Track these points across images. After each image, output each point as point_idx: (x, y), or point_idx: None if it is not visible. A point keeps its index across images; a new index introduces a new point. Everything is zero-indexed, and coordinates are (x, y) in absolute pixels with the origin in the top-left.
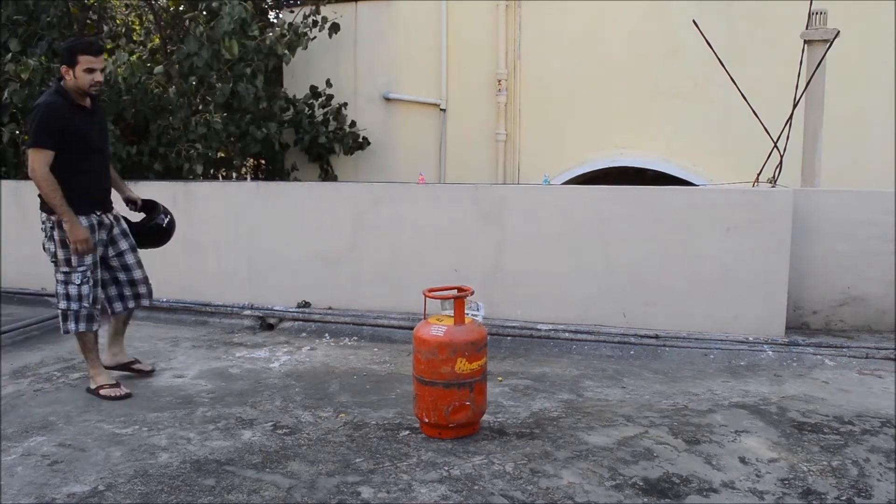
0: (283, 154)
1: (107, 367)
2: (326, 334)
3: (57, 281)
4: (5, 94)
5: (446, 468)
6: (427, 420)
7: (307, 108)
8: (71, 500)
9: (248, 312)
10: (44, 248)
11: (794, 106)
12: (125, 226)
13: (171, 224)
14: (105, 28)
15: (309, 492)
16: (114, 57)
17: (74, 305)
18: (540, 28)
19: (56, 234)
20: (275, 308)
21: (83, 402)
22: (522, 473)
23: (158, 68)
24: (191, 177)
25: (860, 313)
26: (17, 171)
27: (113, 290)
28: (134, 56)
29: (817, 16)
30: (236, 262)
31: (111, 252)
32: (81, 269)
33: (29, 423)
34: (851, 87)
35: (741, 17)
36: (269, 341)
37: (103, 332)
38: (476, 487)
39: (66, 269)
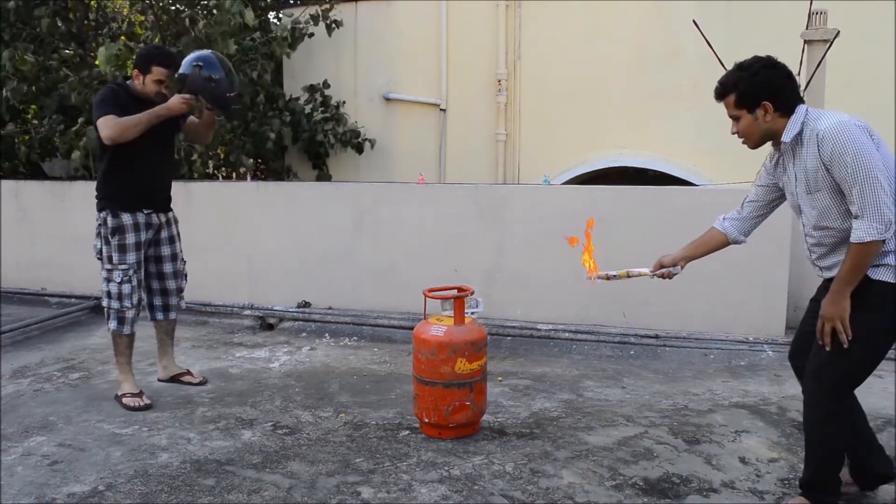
0: (282, 153)
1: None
2: (326, 334)
3: (102, 278)
4: (4, 93)
5: (446, 468)
6: (427, 420)
7: (305, 108)
8: (71, 500)
9: (248, 312)
10: (94, 248)
11: None
12: (175, 231)
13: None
14: (105, 28)
15: (309, 492)
16: (101, 50)
17: (114, 304)
18: (540, 28)
19: (102, 230)
20: (275, 308)
21: (83, 402)
22: (522, 473)
23: None
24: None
25: None
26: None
27: (146, 296)
28: (117, 48)
29: (817, 16)
30: (236, 262)
31: (151, 253)
32: (122, 267)
33: (29, 423)
34: (851, 87)
35: (741, 17)
36: (269, 341)
37: (152, 343)
38: (476, 487)
39: (108, 266)
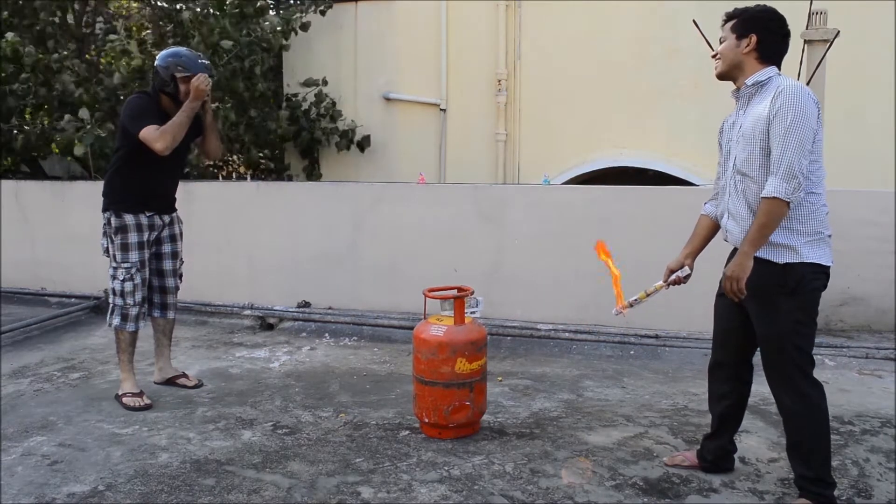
0: (282, 149)
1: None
2: (326, 334)
3: (109, 276)
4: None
5: (446, 468)
6: (427, 420)
7: (302, 104)
8: (71, 500)
9: (248, 312)
10: (101, 246)
11: None
12: (178, 230)
13: None
14: (105, 26)
15: (309, 492)
16: (108, 47)
17: (118, 301)
18: (540, 28)
19: (108, 229)
20: (275, 308)
21: (83, 402)
22: (522, 473)
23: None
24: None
25: (860, 313)
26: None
27: (146, 293)
28: (122, 45)
29: (817, 16)
30: (236, 262)
31: (152, 250)
32: (125, 265)
33: (29, 423)
34: (851, 87)
35: None
36: (269, 341)
37: (152, 342)
38: (476, 487)
39: (113, 264)
